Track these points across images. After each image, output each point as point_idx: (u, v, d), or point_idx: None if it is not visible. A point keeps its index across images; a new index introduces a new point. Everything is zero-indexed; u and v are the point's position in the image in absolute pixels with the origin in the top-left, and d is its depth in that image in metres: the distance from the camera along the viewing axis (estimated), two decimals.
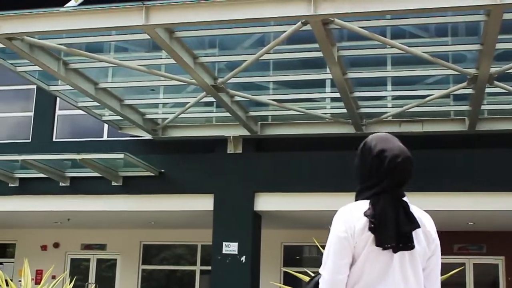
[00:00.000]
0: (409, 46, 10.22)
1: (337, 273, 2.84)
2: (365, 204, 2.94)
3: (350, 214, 2.91)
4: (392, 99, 13.44)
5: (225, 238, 14.58)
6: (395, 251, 2.85)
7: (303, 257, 18.79)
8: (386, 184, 2.93)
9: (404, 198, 2.99)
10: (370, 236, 2.85)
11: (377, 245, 2.83)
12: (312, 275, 7.65)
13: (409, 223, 2.89)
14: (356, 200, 3.02)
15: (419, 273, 2.92)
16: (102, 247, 19.60)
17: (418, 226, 2.92)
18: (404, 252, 2.86)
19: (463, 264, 16.54)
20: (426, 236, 2.97)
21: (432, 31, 10.84)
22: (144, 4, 9.25)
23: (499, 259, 17.04)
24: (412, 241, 2.87)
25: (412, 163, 2.98)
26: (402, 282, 2.86)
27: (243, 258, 14.44)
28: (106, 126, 16.32)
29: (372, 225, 2.84)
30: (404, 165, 2.94)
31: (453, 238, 16.83)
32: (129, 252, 19.13)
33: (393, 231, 2.84)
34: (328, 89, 12.79)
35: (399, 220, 2.87)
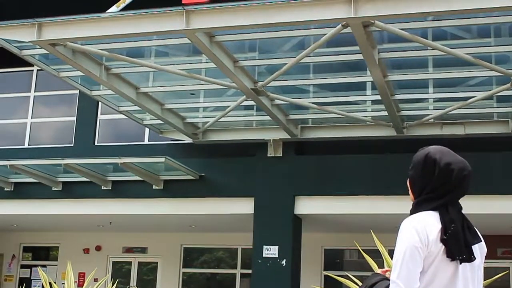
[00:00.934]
0: (451, 48, 10.11)
1: (413, 282, 2.91)
2: (433, 215, 3.03)
3: (423, 225, 2.98)
4: (434, 101, 13.29)
5: (265, 242, 14.58)
6: (461, 262, 2.96)
7: (344, 261, 18.69)
8: (451, 196, 3.05)
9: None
10: (442, 247, 2.95)
11: (448, 256, 2.94)
12: (354, 278, 7.60)
13: (472, 236, 3.01)
14: (416, 210, 3.09)
15: (475, 284, 3.04)
16: (143, 250, 19.76)
17: (480, 240, 3.06)
18: (466, 264, 2.97)
19: (507, 268, 16.31)
20: (480, 248, 3.09)
21: (475, 32, 10.71)
22: (184, 9, 9.31)
23: None
24: (473, 254, 2.99)
25: (470, 179, 3.11)
26: None
27: (283, 262, 14.42)
28: (147, 130, 16.43)
29: (445, 237, 2.95)
30: (469, 178, 3.08)
31: (497, 242, 16.60)
32: (170, 255, 19.25)
33: (462, 243, 2.95)
34: (368, 91, 12.71)
35: (465, 233, 2.98)
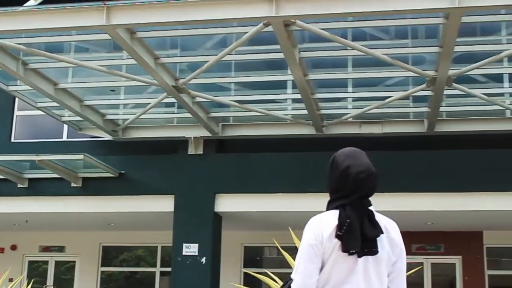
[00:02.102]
0: (369, 48, 10.31)
1: (308, 277, 3.09)
2: (333, 214, 3.19)
3: (319, 223, 3.15)
4: (353, 100, 13.53)
5: (185, 240, 14.54)
6: (359, 256, 3.08)
7: (263, 258, 18.82)
8: (352, 197, 3.17)
9: (371, 207, 3.22)
10: (337, 242, 3.09)
11: (343, 250, 3.08)
12: (272, 276, 7.69)
13: (373, 230, 3.12)
14: (327, 209, 3.26)
15: (382, 276, 3.15)
16: (60, 249, 19.39)
17: (381, 232, 3.15)
18: (368, 257, 3.10)
19: (421, 263, 16.75)
20: (390, 242, 3.20)
21: (393, 33, 10.95)
22: (105, 4, 9.19)
23: (456, 259, 17.28)
24: (376, 247, 3.10)
25: (376, 178, 3.23)
26: (364, 284, 3.09)
27: (203, 259, 14.42)
28: (65, 126, 16.15)
29: (339, 233, 3.09)
30: (367, 180, 3.19)
31: (411, 238, 17.00)
32: (88, 254, 18.96)
33: (357, 238, 3.07)
34: (289, 90, 12.84)
35: (363, 228, 3.10)
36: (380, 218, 3.22)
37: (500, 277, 17.49)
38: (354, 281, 3.07)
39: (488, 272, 17.25)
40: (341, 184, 3.21)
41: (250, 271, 9.93)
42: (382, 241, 3.13)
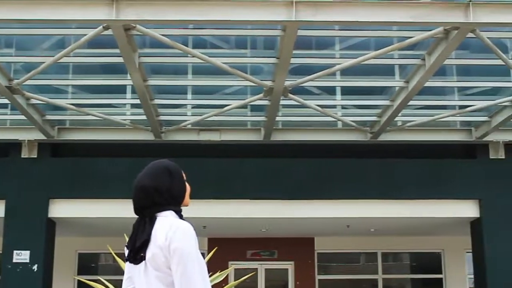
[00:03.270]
0: (209, 56, 10.43)
1: (123, 286, 3.45)
2: None
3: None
4: (192, 107, 13.62)
5: (16, 246, 14.05)
6: (135, 263, 3.35)
7: (99, 265, 18.52)
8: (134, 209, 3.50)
9: (161, 214, 3.40)
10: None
11: (125, 259, 3.39)
12: (106, 283, 7.58)
13: (139, 238, 3.35)
14: None
15: (149, 280, 3.32)
16: None
17: (145, 238, 3.33)
18: (143, 262, 3.32)
19: (256, 269, 17.11)
20: (154, 245, 3.31)
21: (233, 43, 11.15)
22: None
23: (289, 264, 17.83)
24: (139, 254, 3.33)
25: (139, 191, 3.54)
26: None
27: (35, 267, 13.99)
28: None
29: (126, 244, 3.44)
30: (133, 193, 3.55)
31: (247, 244, 17.37)
32: None
33: (130, 247, 3.37)
34: (128, 95, 12.72)
35: (134, 238, 3.37)
36: (160, 224, 3.33)
37: (329, 281, 18.23)
38: (137, 286, 3.35)
39: (318, 276, 17.94)
40: None
41: (84, 278, 9.73)
42: (150, 246, 3.29)
